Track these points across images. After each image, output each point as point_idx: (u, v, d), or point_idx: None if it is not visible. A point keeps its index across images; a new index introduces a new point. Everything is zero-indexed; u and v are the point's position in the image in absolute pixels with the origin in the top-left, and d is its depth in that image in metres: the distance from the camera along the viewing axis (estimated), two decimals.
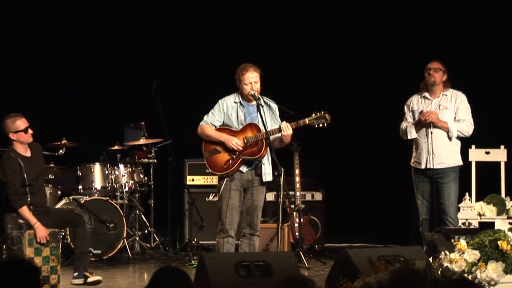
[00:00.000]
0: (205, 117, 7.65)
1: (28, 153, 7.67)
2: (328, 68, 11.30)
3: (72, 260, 8.02)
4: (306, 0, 11.55)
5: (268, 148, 7.46)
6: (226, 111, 7.61)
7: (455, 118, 8.44)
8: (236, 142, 7.47)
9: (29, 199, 7.57)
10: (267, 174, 7.58)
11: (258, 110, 7.44)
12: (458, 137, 8.44)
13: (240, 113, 7.60)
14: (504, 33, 10.54)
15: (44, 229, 7.53)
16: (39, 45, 11.09)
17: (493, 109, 10.32)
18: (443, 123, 8.38)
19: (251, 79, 7.52)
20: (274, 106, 7.68)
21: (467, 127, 8.43)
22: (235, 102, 7.61)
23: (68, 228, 8.72)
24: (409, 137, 8.51)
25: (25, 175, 7.55)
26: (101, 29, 11.17)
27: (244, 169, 7.55)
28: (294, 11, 11.51)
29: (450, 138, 8.40)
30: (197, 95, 10.54)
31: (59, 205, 9.20)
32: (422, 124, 8.40)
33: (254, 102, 7.53)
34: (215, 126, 7.60)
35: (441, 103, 8.48)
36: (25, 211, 7.51)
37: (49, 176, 9.44)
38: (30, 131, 7.64)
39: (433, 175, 8.37)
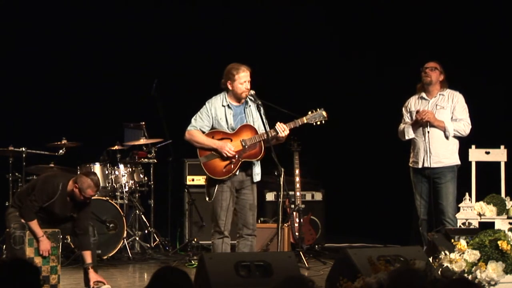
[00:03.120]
0: (193, 121, 7.49)
1: (69, 199, 7.46)
2: (328, 68, 11.30)
3: (73, 260, 8.00)
4: (303, 0, 11.56)
5: (265, 150, 7.41)
6: (215, 116, 7.45)
7: (452, 117, 8.44)
8: (229, 149, 7.34)
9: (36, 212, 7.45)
10: (257, 174, 7.50)
11: (259, 110, 7.37)
12: (455, 136, 8.43)
13: (229, 116, 7.45)
14: (504, 33, 10.53)
15: (48, 242, 7.42)
16: (39, 45, 11.09)
17: (493, 109, 10.32)
18: (439, 122, 8.38)
19: (246, 78, 7.42)
20: (259, 102, 7.45)
21: (464, 126, 8.42)
22: (222, 106, 7.46)
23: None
24: (406, 138, 8.51)
25: (46, 207, 7.41)
26: (101, 29, 11.17)
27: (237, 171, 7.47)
28: (292, 11, 11.51)
29: (447, 137, 8.40)
30: (197, 95, 10.50)
31: None
32: (419, 123, 8.40)
33: (241, 103, 7.44)
34: (204, 132, 7.46)
35: (438, 102, 8.48)
36: (33, 224, 7.37)
37: None
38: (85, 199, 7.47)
39: (431, 175, 8.37)
